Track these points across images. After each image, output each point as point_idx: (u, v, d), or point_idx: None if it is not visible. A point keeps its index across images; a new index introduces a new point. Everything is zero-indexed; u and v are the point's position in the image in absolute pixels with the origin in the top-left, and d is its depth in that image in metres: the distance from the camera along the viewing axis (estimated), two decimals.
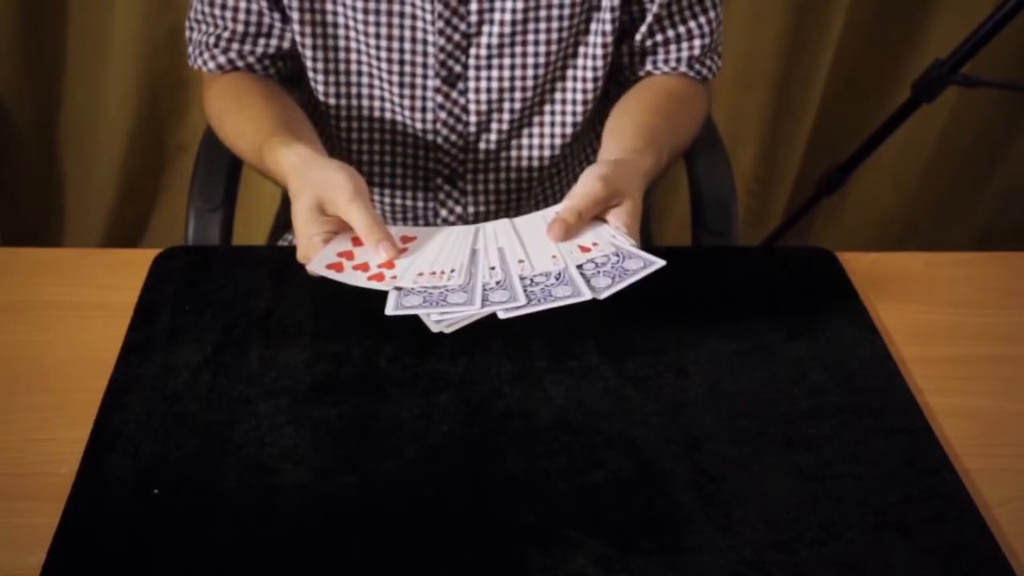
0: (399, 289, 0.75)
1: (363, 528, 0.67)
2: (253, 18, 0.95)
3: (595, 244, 0.78)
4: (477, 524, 0.67)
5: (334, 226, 0.78)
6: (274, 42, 0.97)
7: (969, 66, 1.40)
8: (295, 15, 0.94)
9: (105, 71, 1.68)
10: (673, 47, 1.00)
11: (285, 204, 1.30)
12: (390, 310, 0.73)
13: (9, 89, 1.68)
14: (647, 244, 1.30)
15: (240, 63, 0.97)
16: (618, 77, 1.05)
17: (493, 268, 0.77)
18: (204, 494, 0.68)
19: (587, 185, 0.79)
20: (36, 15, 1.61)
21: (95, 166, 1.79)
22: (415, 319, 0.83)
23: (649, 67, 1.02)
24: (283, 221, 1.27)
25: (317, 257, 0.76)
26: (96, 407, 0.75)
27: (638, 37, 0.99)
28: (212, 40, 0.97)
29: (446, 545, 0.66)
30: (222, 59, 0.97)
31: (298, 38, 0.96)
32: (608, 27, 0.96)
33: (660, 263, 0.76)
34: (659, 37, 0.99)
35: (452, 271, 0.76)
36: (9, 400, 0.77)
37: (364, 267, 0.76)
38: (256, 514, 0.67)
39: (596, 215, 0.80)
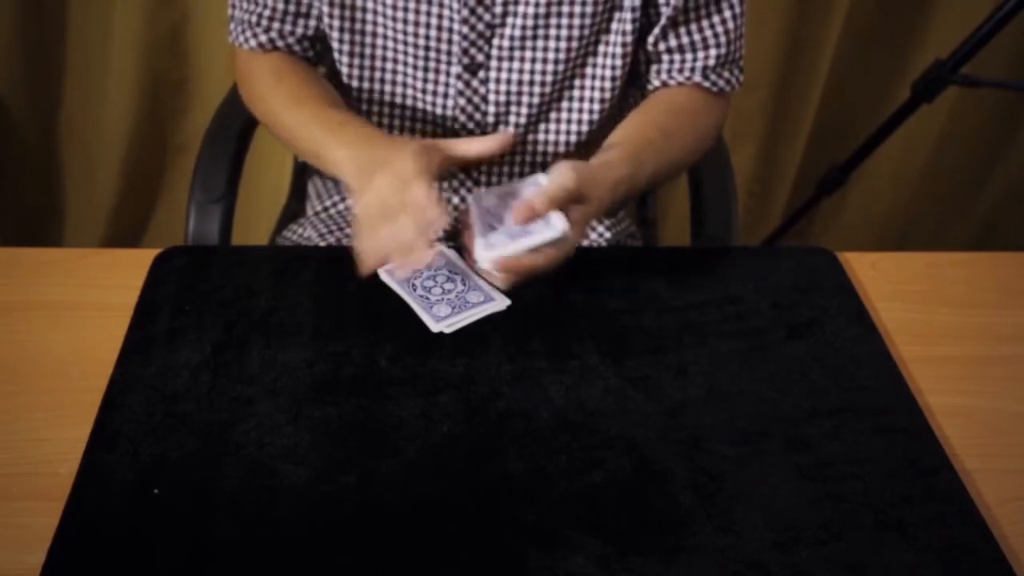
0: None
1: (363, 528, 0.67)
2: None
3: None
4: (477, 524, 0.67)
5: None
6: (312, 23, 1.00)
7: (969, 66, 1.40)
8: None
9: (106, 71, 1.68)
10: (689, 55, 1.00)
11: (291, 199, 1.31)
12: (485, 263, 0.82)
13: (9, 89, 1.68)
14: (650, 245, 1.31)
15: (280, 43, 1.01)
16: (638, 83, 1.06)
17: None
18: (204, 494, 0.68)
19: (562, 176, 0.82)
20: (36, 15, 1.61)
21: (95, 166, 1.79)
22: (414, 319, 0.83)
23: (664, 76, 1.03)
24: (290, 213, 1.28)
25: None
26: (96, 407, 0.75)
27: (651, 40, 1.00)
28: (254, 19, 1.00)
29: (446, 545, 0.66)
30: (263, 38, 1.00)
31: (326, 19, 0.98)
32: (629, 26, 0.97)
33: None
34: (672, 43, 1.00)
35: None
36: (9, 400, 0.77)
37: None
38: (256, 514, 0.67)
39: (560, 207, 0.82)
